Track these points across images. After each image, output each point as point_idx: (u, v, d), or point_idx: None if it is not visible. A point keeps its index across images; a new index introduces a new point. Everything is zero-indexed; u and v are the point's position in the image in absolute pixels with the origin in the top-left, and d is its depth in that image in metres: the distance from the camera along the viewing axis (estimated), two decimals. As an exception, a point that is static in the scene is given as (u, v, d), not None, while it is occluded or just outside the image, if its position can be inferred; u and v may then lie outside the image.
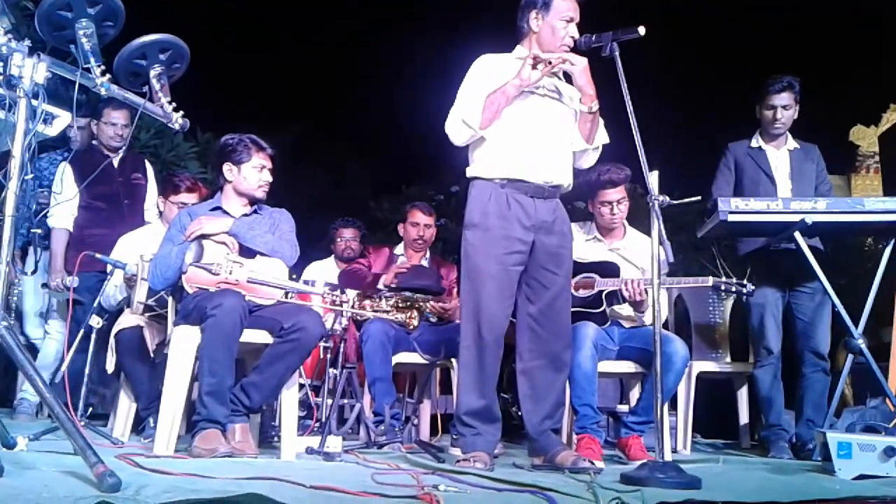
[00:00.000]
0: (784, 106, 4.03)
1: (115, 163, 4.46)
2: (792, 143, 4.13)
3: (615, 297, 3.65)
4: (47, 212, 4.15)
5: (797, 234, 3.46)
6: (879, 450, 2.69)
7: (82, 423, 3.20)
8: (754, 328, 4.02)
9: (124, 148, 4.51)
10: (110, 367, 3.75)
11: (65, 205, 4.24)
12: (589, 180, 3.73)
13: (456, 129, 3.01)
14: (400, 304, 3.99)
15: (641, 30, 2.79)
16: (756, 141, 4.14)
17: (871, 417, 3.26)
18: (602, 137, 3.16)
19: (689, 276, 3.81)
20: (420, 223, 4.52)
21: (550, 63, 2.97)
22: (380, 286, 4.09)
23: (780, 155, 4.11)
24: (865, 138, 7.82)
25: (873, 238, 5.31)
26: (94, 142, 4.53)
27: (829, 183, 4.19)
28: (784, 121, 4.05)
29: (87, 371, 3.57)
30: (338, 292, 3.75)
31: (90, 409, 3.69)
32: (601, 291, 3.65)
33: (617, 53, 2.81)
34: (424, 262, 4.56)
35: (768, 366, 3.95)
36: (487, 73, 3.04)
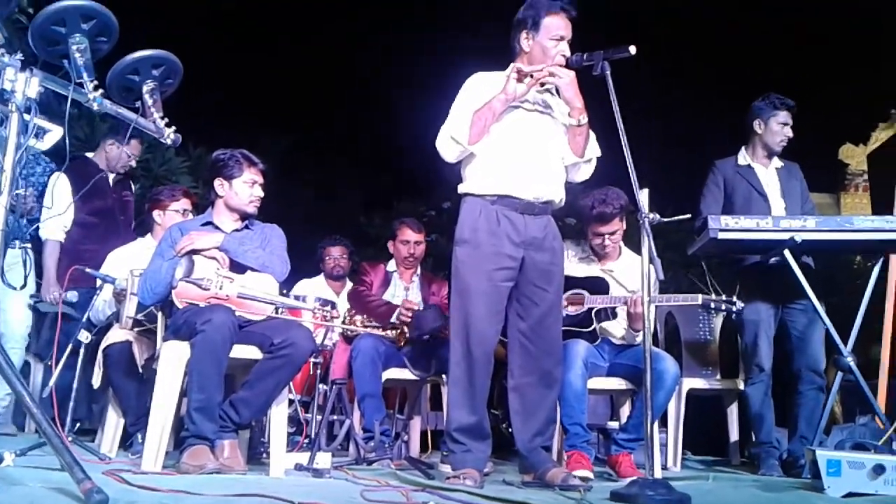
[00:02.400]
0: (791, 125, 4.07)
1: (111, 179, 4.50)
2: (777, 162, 4.16)
3: (605, 313, 3.66)
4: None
5: (787, 252, 3.48)
6: (868, 467, 2.70)
7: (70, 439, 3.18)
8: (747, 345, 4.02)
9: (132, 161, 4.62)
10: (97, 381, 3.73)
11: (57, 217, 4.22)
12: (584, 208, 3.73)
13: (445, 145, 3.03)
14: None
15: (632, 49, 2.81)
16: (744, 158, 4.16)
17: (860, 435, 3.26)
18: (594, 150, 3.15)
19: (680, 294, 3.82)
20: (410, 240, 4.53)
21: (533, 76, 2.98)
22: (394, 319, 4.15)
23: (769, 173, 4.14)
24: (854, 157, 7.88)
25: (862, 256, 5.33)
26: (89, 155, 4.54)
27: (812, 202, 4.23)
28: (788, 138, 4.08)
29: (75, 386, 3.55)
30: (328, 308, 3.75)
31: (77, 425, 3.66)
32: (591, 309, 3.66)
33: (608, 72, 2.83)
34: (415, 279, 4.57)
35: (759, 383, 3.95)
36: (479, 90, 3.05)
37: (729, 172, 4.14)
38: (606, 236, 3.74)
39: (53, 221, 4.25)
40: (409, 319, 4.11)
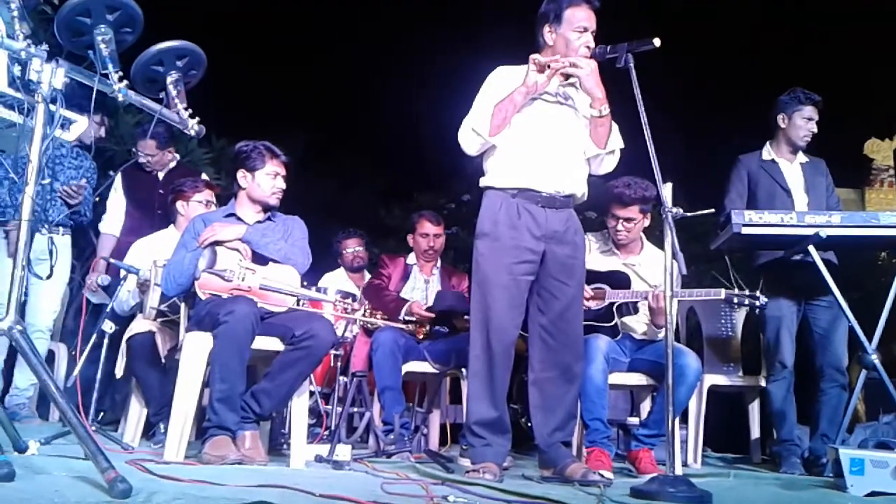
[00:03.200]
0: (816, 120, 4.02)
1: (161, 175, 4.69)
2: (802, 157, 4.12)
3: (626, 308, 3.64)
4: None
5: (811, 248, 3.44)
6: (892, 466, 2.67)
7: (93, 428, 3.21)
8: (769, 341, 3.99)
9: (172, 163, 4.77)
10: (119, 371, 3.76)
11: (115, 212, 4.59)
12: (607, 191, 3.72)
13: (467, 137, 3.03)
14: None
15: (657, 41, 2.78)
16: (769, 153, 4.12)
17: (883, 433, 3.24)
18: (616, 142, 3.12)
19: (702, 289, 3.79)
20: (430, 234, 4.53)
21: (550, 67, 2.95)
22: (402, 316, 4.16)
23: (793, 168, 4.09)
24: (880, 152, 7.78)
25: (887, 252, 5.27)
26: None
27: (836, 196, 4.18)
28: (813, 133, 4.04)
29: (98, 376, 3.58)
30: (350, 300, 3.76)
31: (101, 415, 3.70)
32: (612, 304, 3.63)
33: (632, 64, 2.80)
34: (436, 272, 4.57)
35: (781, 380, 3.92)
36: (502, 84, 3.04)
37: (753, 167, 4.10)
38: (621, 221, 3.71)
39: (112, 216, 4.58)
40: (418, 317, 4.14)
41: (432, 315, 4.17)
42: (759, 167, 4.10)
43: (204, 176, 4.83)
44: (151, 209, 4.59)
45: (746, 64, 7.80)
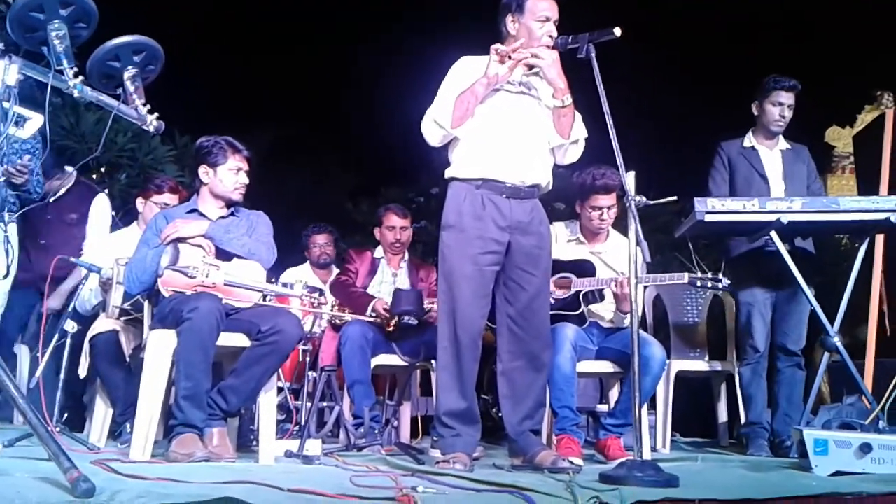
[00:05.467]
0: (789, 105, 4.06)
1: (51, 200, 4.29)
2: (784, 144, 4.16)
3: (592, 296, 3.67)
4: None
5: (773, 234, 3.49)
6: (855, 446, 2.72)
7: (57, 430, 3.17)
8: (741, 326, 4.04)
9: (62, 189, 4.38)
10: (83, 371, 3.71)
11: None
12: (583, 182, 3.73)
13: (429, 129, 3.03)
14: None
15: (617, 31, 2.79)
16: (749, 140, 4.15)
17: (847, 415, 3.29)
18: (580, 131, 3.13)
19: (666, 273, 3.82)
20: (396, 226, 4.52)
21: (511, 57, 2.95)
22: (369, 312, 4.14)
23: (773, 155, 4.13)
24: (841, 139, 7.88)
25: (848, 237, 5.35)
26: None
27: (819, 182, 4.23)
28: (787, 118, 4.08)
29: (62, 377, 3.53)
30: (316, 295, 3.73)
31: (65, 416, 3.64)
32: (578, 292, 3.66)
33: (593, 55, 2.81)
34: (403, 265, 4.56)
35: (753, 364, 3.97)
36: (465, 74, 3.04)
37: (733, 153, 4.14)
38: (605, 210, 3.74)
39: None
40: (381, 316, 4.14)
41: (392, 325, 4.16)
42: (738, 154, 4.14)
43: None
44: (35, 238, 4.25)
45: (708, 51, 7.86)
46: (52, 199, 4.31)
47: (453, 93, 3.00)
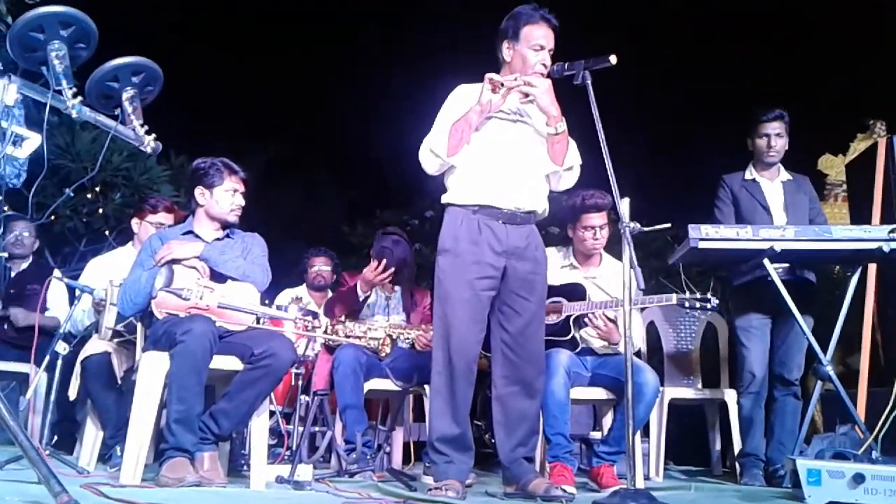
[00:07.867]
0: (777, 134, 4.09)
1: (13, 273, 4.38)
2: (785, 175, 4.19)
3: (583, 320, 3.66)
4: None
5: (766, 262, 3.50)
6: (848, 476, 2.72)
7: (47, 452, 3.13)
8: (740, 353, 4.04)
9: (24, 264, 4.45)
10: (73, 393, 3.68)
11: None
12: (573, 205, 3.75)
13: (426, 158, 3.05)
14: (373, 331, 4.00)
15: (613, 59, 2.83)
16: (750, 173, 4.19)
17: (840, 444, 3.28)
18: (574, 158, 3.14)
19: (655, 295, 3.82)
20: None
21: (504, 85, 2.97)
22: (359, 292, 4.12)
23: (773, 186, 4.16)
24: (833, 167, 7.93)
25: (841, 266, 5.37)
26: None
27: (823, 214, 4.25)
28: (778, 149, 4.10)
29: (52, 398, 3.50)
30: (310, 318, 3.72)
31: (55, 438, 3.61)
32: (569, 317, 3.66)
33: (589, 82, 2.84)
34: (397, 289, 4.54)
35: (751, 392, 3.96)
36: (462, 102, 3.06)
37: (735, 186, 4.18)
38: (597, 229, 3.74)
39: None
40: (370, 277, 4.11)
41: (387, 275, 4.12)
42: (740, 186, 4.17)
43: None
44: None
45: (704, 78, 7.93)
46: (13, 274, 4.35)
47: (449, 121, 3.02)
